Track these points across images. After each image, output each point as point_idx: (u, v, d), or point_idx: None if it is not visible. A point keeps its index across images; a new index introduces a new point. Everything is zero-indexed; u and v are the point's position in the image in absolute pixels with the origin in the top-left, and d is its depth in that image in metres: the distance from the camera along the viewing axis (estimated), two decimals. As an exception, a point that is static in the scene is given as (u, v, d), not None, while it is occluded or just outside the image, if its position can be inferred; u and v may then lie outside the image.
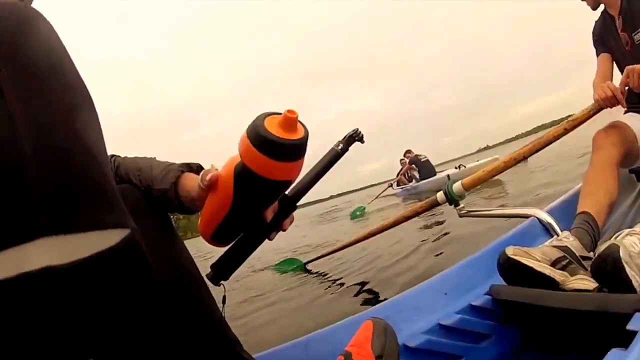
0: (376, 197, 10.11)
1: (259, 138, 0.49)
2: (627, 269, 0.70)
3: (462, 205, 1.61)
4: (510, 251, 0.90)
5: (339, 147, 0.72)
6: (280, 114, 0.50)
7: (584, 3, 1.77)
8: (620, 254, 0.71)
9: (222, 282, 0.73)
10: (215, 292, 0.72)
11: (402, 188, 10.44)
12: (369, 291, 2.04)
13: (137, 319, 0.46)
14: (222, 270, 0.72)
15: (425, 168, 9.35)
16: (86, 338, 0.40)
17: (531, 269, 0.86)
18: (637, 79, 1.30)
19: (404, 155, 10.20)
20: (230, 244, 0.70)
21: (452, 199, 1.59)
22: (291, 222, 0.72)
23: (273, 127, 0.49)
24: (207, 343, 0.64)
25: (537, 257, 0.89)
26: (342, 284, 2.30)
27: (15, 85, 0.36)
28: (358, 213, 7.71)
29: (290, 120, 0.49)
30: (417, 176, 9.57)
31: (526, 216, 1.29)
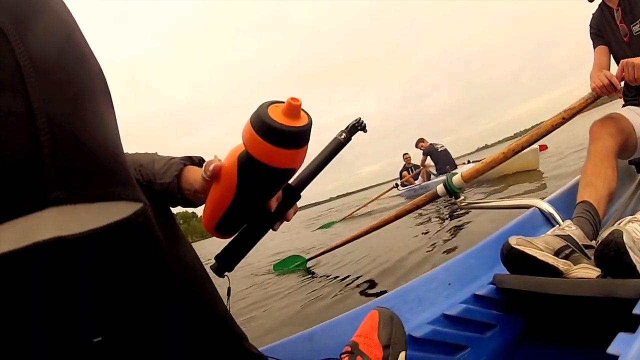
0: (374, 200, 8.66)
1: (262, 126, 0.49)
2: (631, 254, 0.70)
3: (462, 197, 1.62)
4: (513, 241, 0.90)
5: (342, 137, 0.72)
6: (284, 102, 0.50)
7: (582, 3, 1.76)
8: (624, 239, 0.71)
9: (226, 273, 0.73)
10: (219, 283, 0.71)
11: (407, 188, 8.71)
12: (373, 285, 2.04)
13: (146, 296, 0.45)
14: (226, 261, 0.71)
15: (443, 159, 7.58)
16: (95, 315, 0.39)
17: (535, 258, 0.86)
18: (632, 72, 1.30)
19: (417, 145, 8.16)
20: (234, 235, 0.70)
21: (452, 192, 1.60)
22: (295, 212, 0.71)
23: (277, 115, 0.49)
24: (212, 337, 0.63)
25: (540, 247, 0.89)
26: (345, 280, 2.30)
27: (32, 59, 0.35)
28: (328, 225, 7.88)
29: (293, 108, 0.49)
30: (434, 171, 7.94)
31: (527, 207, 1.29)
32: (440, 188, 1.66)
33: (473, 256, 1.05)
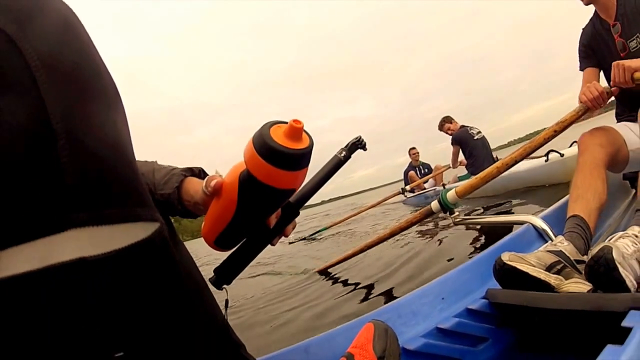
0: (373, 206, 6.75)
1: (264, 147, 0.50)
2: (621, 269, 0.72)
3: (456, 213, 1.63)
4: (505, 257, 0.92)
5: (342, 155, 0.73)
6: (286, 122, 0.51)
7: (582, 11, 1.73)
8: (614, 255, 0.73)
9: (224, 286, 0.73)
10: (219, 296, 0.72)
11: (416, 194, 6.62)
12: (367, 298, 2.04)
13: (163, 313, 0.46)
14: (225, 274, 0.72)
15: (480, 152, 4.95)
16: (117, 331, 0.39)
17: (526, 274, 0.88)
18: (622, 74, 1.31)
19: (441, 128, 5.59)
20: (233, 249, 0.71)
21: (447, 207, 1.62)
22: (293, 228, 0.73)
23: (279, 137, 0.50)
24: (211, 345, 0.64)
25: (532, 263, 0.91)
26: (343, 290, 2.30)
27: (47, 71, 0.35)
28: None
29: (295, 130, 0.50)
30: (463, 172, 5.43)
31: (521, 223, 1.31)
32: (434, 204, 1.67)
33: (466, 271, 1.06)
